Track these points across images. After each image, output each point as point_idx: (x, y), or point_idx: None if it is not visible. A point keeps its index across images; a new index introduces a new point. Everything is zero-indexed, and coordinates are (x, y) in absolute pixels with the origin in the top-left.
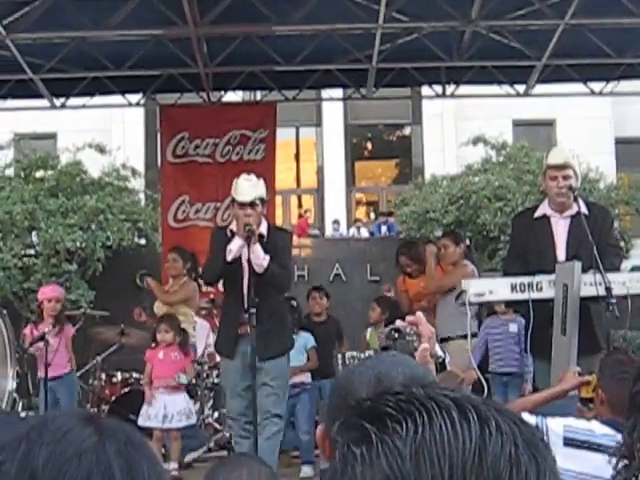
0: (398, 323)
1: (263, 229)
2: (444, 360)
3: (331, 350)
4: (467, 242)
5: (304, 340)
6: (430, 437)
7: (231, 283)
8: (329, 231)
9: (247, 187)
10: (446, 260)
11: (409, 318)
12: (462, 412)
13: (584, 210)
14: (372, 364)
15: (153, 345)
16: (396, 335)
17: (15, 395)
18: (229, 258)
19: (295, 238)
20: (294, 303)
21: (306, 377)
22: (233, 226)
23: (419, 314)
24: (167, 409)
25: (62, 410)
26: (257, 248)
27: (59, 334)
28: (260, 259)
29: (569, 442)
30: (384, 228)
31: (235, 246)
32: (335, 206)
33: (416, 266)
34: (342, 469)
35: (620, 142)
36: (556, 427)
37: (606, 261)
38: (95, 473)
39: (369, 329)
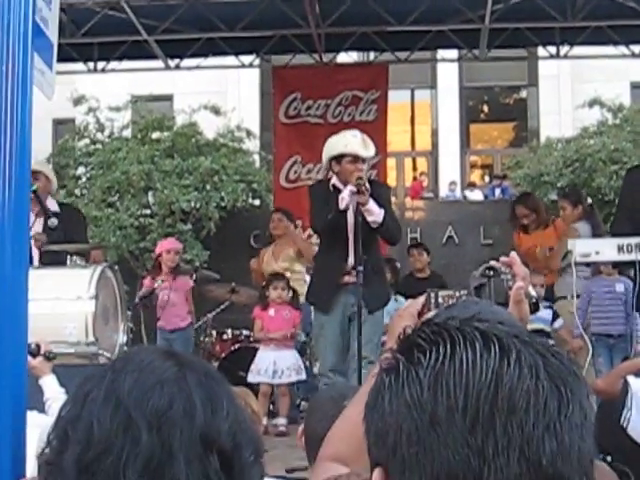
0: (492, 263)
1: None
2: (537, 301)
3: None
4: (588, 202)
5: (397, 303)
6: (449, 367)
7: (334, 235)
8: (443, 193)
9: (358, 143)
10: (566, 221)
11: (503, 259)
12: (485, 343)
13: None
14: (463, 308)
15: (262, 303)
16: (491, 273)
17: (126, 348)
18: (342, 206)
19: (408, 200)
20: (398, 265)
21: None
22: (335, 181)
23: (513, 254)
24: (277, 365)
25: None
26: (372, 204)
27: (175, 287)
28: (375, 214)
29: None
30: (498, 191)
31: (347, 194)
32: (449, 169)
33: (534, 216)
34: (375, 398)
35: None
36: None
37: None
38: (177, 401)
39: None
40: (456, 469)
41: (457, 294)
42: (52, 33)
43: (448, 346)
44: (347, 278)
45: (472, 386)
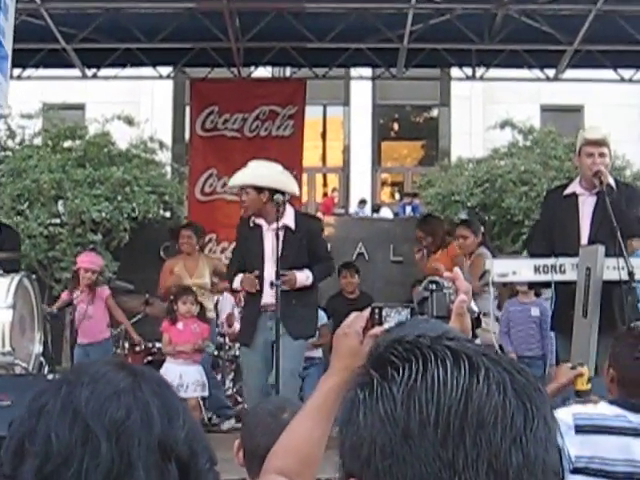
0: (436, 277)
1: (289, 219)
2: (479, 315)
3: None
4: (482, 230)
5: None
6: (421, 384)
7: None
8: (353, 210)
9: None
10: (465, 250)
11: (447, 274)
12: (455, 361)
13: (612, 183)
14: (413, 326)
15: (170, 317)
16: (434, 287)
17: (41, 359)
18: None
19: (319, 216)
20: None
21: (316, 352)
22: (255, 218)
23: (457, 269)
24: (182, 378)
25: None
26: (298, 281)
27: (93, 300)
28: (305, 282)
29: (580, 429)
30: (409, 209)
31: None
32: (360, 186)
33: (430, 240)
34: (349, 411)
35: None
36: (565, 417)
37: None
38: (134, 411)
39: None
40: None
41: (400, 309)
42: (8, 43)
43: (420, 363)
44: (265, 299)
45: (443, 402)
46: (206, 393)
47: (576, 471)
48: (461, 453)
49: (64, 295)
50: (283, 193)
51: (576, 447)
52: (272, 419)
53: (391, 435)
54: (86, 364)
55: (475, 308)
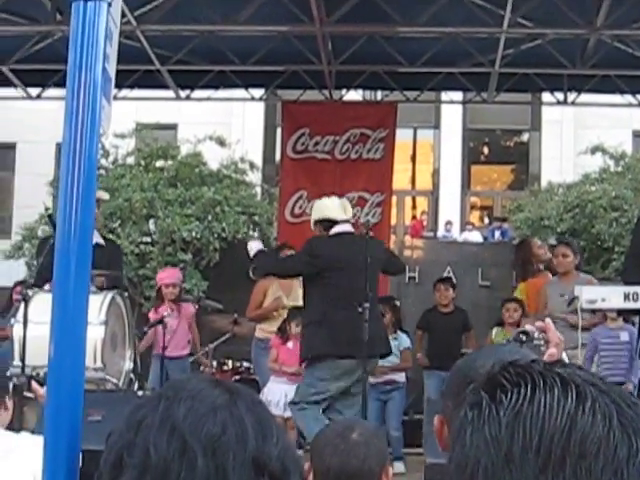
0: (527, 327)
1: None
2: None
3: (457, 340)
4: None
5: (400, 340)
6: (527, 409)
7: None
8: (441, 233)
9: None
10: (561, 268)
11: (538, 324)
12: (563, 388)
13: None
14: (492, 352)
15: (282, 335)
16: (524, 338)
17: (132, 375)
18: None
19: (408, 239)
20: (397, 303)
21: (399, 376)
22: None
23: (548, 320)
24: (288, 397)
25: (189, 376)
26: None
27: (178, 315)
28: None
29: None
30: (498, 233)
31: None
32: (449, 209)
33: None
34: (458, 430)
35: None
36: None
37: None
38: (230, 426)
39: (495, 329)
40: None
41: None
42: (112, 68)
43: (529, 389)
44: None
45: (547, 429)
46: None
47: None
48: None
49: (151, 314)
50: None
51: None
52: (340, 440)
53: (494, 457)
54: (183, 380)
55: (566, 359)
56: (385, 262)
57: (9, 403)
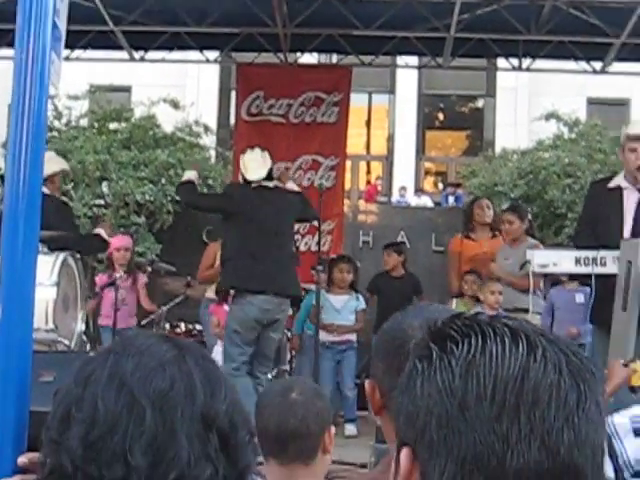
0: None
1: None
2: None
3: (407, 305)
4: (529, 217)
5: (359, 302)
6: (480, 359)
7: None
8: (395, 198)
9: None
10: (510, 235)
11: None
12: (514, 338)
13: None
14: (418, 311)
15: (218, 299)
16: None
17: (84, 337)
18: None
19: (362, 203)
20: (358, 263)
21: (352, 335)
22: None
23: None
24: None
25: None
26: None
27: (133, 285)
28: None
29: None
30: (452, 199)
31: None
32: (404, 174)
33: (491, 216)
34: (407, 382)
35: None
36: (622, 421)
37: None
38: (178, 382)
39: (454, 300)
40: (481, 452)
41: None
42: (62, 24)
43: (479, 339)
44: None
45: (501, 377)
46: None
47: (637, 475)
48: (515, 428)
49: (97, 278)
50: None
51: (636, 450)
52: (280, 399)
53: (447, 406)
54: (131, 336)
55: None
56: (300, 211)
57: None
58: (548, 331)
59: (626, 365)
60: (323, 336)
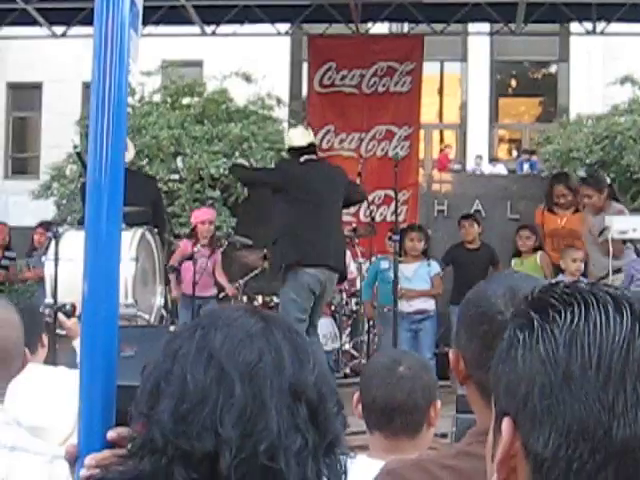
0: None
1: None
2: None
3: (484, 276)
4: (608, 182)
5: (431, 267)
6: (584, 328)
7: None
8: (470, 167)
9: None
10: (593, 208)
11: None
12: (617, 307)
13: None
14: (501, 280)
15: None
16: None
17: (163, 311)
18: None
19: (436, 173)
20: (429, 232)
21: (429, 305)
22: None
23: None
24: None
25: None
26: None
27: (211, 256)
28: None
29: None
30: (526, 166)
31: None
32: (477, 142)
33: (570, 197)
34: (507, 351)
35: None
36: None
37: None
38: (266, 354)
39: (513, 260)
40: (587, 422)
41: None
42: (139, 0)
43: (582, 307)
44: None
45: (606, 347)
46: (337, 345)
47: None
48: (621, 398)
49: (181, 243)
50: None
51: None
52: (387, 372)
53: (551, 376)
54: (218, 309)
55: None
56: (347, 188)
57: (45, 340)
58: None
59: None
60: (401, 305)
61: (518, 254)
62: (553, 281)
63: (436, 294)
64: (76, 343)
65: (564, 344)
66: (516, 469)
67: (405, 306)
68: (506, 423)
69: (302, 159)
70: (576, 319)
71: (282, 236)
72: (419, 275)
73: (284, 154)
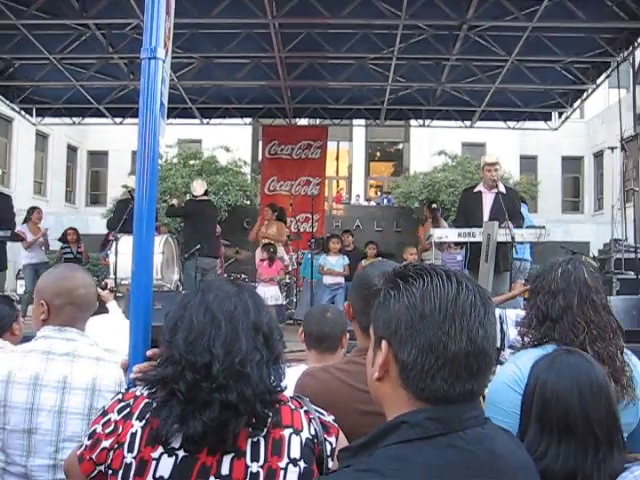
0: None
1: None
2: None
3: (356, 266)
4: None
5: (343, 260)
6: (430, 287)
7: None
8: (353, 201)
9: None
10: (427, 221)
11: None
12: (448, 276)
13: (503, 190)
14: (377, 266)
15: (262, 259)
16: None
17: (178, 283)
18: None
19: (334, 204)
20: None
21: (341, 280)
22: None
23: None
24: (264, 295)
25: (215, 277)
26: None
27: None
28: None
29: (518, 323)
30: (385, 201)
31: None
32: (357, 187)
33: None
34: (383, 302)
35: (522, 157)
36: (511, 315)
37: (514, 222)
38: (239, 305)
39: (363, 261)
40: (433, 342)
41: None
42: (165, 102)
43: (429, 277)
44: None
45: (444, 298)
46: (280, 302)
47: (511, 347)
48: (452, 327)
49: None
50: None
51: (513, 333)
52: (320, 315)
53: (412, 316)
54: (211, 280)
55: None
56: (216, 214)
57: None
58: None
59: (525, 285)
60: (325, 279)
61: (366, 256)
62: (406, 263)
63: (345, 274)
64: (109, 305)
65: (419, 297)
66: (389, 371)
67: (328, 280)
68: (384, 344)
69: (198, 199)
70: (425, 283)
71: (187, 239)
72: (339, 263)
73: (248, 193)
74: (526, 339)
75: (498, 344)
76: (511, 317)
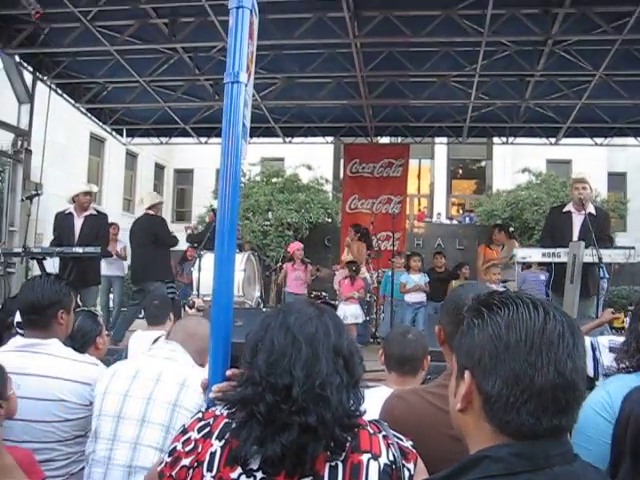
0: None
1: None
2: None
3: (446, 287)
4: (511, 230)
5: (425, 278)
6: (515, 317)
7: None
8: (435, 219)
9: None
10: (499, 243)
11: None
12: (534, 305)
13: (593, 211)
14: (469, 288)
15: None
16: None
17: (259, 300)
18: None
19: (416, 222)
20: (422, 256)
21: (422, 298)
22: None
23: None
24: (345, 313)
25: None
26: None
27: (304, 270)
28: None
29: (612, 349)
30: (467, 219)
31: None
32: (439, 205)
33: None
34: (466, 331)
35: (610, 174)
36: (603, 341)
37: (601, 243)
38: (320, 328)
39: (453, 282)
40: (518, 374)
41: None
42: (247, 123)
43: (514, 305)
44: None
45: (530, 328)
46: (360, 320)
47: (606, 375)
48: (539, 359)
49: (285, 266)
50: None
51: (608, 360)
52: (402, 336)
53: (497, 345)
54: (292, 302)
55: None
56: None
57: (172, 315)
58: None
59: (613, 313)
60: (408, 297)
61: (457, 277)
62: (494, 289)
63: (426, 290)
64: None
65: (504, 327)
66: (472, 402)
67: (411, 298)
68: (467, 374)
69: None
70: (510, 312)
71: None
72: (421, 281)
73: (329, 211)
74: (622, 365)
75: (592, 373)
76: (603, 343)
